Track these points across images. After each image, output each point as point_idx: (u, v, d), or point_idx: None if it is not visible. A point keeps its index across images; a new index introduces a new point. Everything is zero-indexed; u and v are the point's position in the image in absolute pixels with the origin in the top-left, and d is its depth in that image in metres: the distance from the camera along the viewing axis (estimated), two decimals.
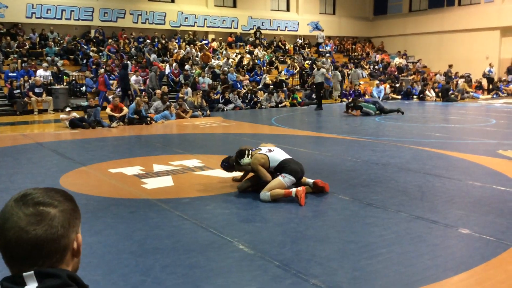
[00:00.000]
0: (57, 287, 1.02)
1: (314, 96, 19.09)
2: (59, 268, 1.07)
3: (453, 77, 24.45)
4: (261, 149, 5.63)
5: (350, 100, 15.55)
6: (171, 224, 4.51)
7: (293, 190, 5.21)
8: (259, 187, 5.49)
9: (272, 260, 3.62)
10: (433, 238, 4.07)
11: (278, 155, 5.55)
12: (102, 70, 16.88)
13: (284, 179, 5.35)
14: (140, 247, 3.94)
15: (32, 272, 1.03)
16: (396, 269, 3.46)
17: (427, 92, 21.56)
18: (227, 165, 5.89)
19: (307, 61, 25.25)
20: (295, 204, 5.16)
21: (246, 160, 5.56)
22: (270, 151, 5.58)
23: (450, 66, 25.02)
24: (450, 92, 21.05)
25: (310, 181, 5.54)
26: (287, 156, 5.58)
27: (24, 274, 1.02)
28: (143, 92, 16.65)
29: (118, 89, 16.95)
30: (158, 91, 15.69)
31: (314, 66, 19.71)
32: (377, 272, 3.43)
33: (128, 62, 19.31)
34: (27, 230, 1.03)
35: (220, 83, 19.35)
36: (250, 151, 5.62)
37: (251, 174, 5.78)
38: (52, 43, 20.03)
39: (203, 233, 4.27)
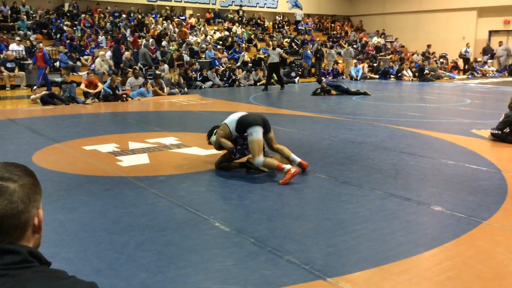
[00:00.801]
0: (18, 263, 0.99)
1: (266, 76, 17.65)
2: (19, 245, 1.03)
3: (430, 57, 24.66)
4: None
5: (315, 89, 15.08)
6: (146, 202, 4.48)
7: (287, 167, 5.12)
8: (231, 161, 5.59)
9: (247, 238, 3.63)
10: (406, 215, 4.14)
11: (233, 116, 5.54)
12: (41, 45, 15.53)
13: (251, 136, 5.26)
14: (114, 224, 3.91)
15: None
16: (369, 245, 3.52)
17: (404, 71, 21.72)
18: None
19: (286, 39, 25.13)
20: (271, 182, 5.18)
21: (213, 137, 5.68)
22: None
23: (429, 46, 25.22)
24: (425, 72, 21.24)
25: (297, 160, 5.50)
26: (241, 113, 5.56)
27: None
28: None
29: (93, 65, 16.62)
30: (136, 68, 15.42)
31: (270, 44, 18.93)
32: (351, 248, 3.48)
33: (120, 36, 19.05)
34: None
35: (198, 60, 19.12)
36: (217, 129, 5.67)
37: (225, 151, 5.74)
38: (25, 17, 19.41)
39: (178, 210, 4.26)
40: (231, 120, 5.51)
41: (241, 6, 26.50)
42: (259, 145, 5.24)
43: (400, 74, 21.68)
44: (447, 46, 25.66)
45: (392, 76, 22.11)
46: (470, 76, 23.14)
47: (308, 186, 5.09)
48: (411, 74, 21.74)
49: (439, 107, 12.15)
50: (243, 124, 5.36)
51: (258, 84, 18.48)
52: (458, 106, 12.15)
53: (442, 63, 24.14)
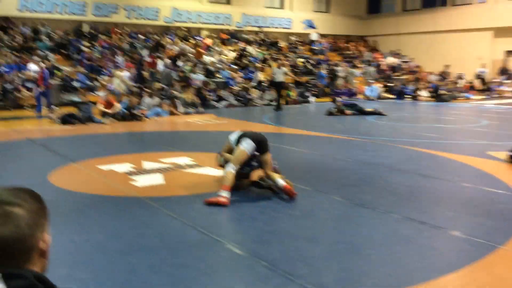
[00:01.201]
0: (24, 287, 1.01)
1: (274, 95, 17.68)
2: (26, 269, 1.05)
3: (446, 77, 24.53)
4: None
5: (332, 109, 15.02)
6: (159, 223, 4.50)
7: (223, 193, 5.05)
8: (241, 177, 5.65)
9: (259, 260, 3.61)
10: (421, 239, 4.09)
11: (236, 132, 5.71)
12: (43, 65, 15.03)
13: (242, 145, 5.39)
14: (128, 245, 3.92)
15: None
16: (383, 270, 3.47)
17: (420, 92, 21.63)
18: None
19: (300, 59, 25.27)
20: (284, 204, 5.16)
21: (219, 158, 5.93)
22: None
23: (447, 66, 25.00)
24: (441, 92, 21.11)
25: (281, 183, 5.27)
26: (246, 130, 5.75)
27: None
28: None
29: (111, 85, 16.87)
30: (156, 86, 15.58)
31: (273, 64, 18.71)
32: (364, 273, 3.44)
33: (164, 57, 19.69)
34: None
35: (213, 80, 19.31)
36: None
37: None
38: (45, 38, 19.86)
39: (191, 232, 4.26)
40: (233, 136, 5.70)
41: (260, 27, 26.79)
42: (241, 156, 5.36)
43: (416, 94, 21.57)
44: (463, 66, 25.51)
45: (407, 96, 22.02)
46: (487, 97, 22.93)
47: (321, 208, 5.06)
48: (427, 94, 21.62)
49: (455, 128, 12.04)
50: (241, 137, 5.52)
51: (272, 103, 18.52)
52: (474, 127, 12.03)
53: (458, 83, 23.99)
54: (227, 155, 5.67)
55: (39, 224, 1.09)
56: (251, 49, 24.48)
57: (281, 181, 5.32)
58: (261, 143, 5.46)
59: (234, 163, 5.32)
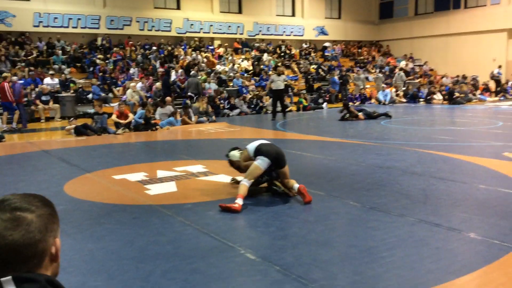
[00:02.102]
0: None
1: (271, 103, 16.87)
2: (37, 273, 1.07)
3: (460, 80, 24.31)
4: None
5: (343, 114, 14.98)
6: (172, 230, 4.52)
7: (238, 201, 5.09)
8: (258, 184, 5.70)
9: (272, 265, 3.61)
10: (436, 241, 4.04)
11: (255, 143, 5.71)
12: (15, 78, 14.53)
13: (257, 161, 5.43)
14: (141, 253, 3.95)
15: (10, 277, 1.03)
16: (397, 272, 3.44)
17: (434, 95, 21.46)
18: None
19: (313, 66, 25.29)
20: (297, 209, 5.16)
21: (232, 152, 6.08)
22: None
23: (464, 77, 24.48)
24: (456, 94, 20.93)
25: (296, 186, 5.42)
26: (263, 141, 5.74)
27: (1, 279, 1.03)
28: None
29: (124, 97, 17.06)
30: (168, 99, 15.73)
31: (272, 71, 18.20)
32: (378, 276, 3.41)
33: (178, 67, 20.22)
34: (3, 235, 1.04)
35: (226, 89, 19.41)
36: (241, 150, 6.01)
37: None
38: (60, 52, 20.20)
39: (204, 238, 4.27)
40: (252, 146, 5.69)
41: (285, 44, 26.97)
42: (255, 172, 5.38)
43: (429, 97, 21.42)
44: (478, 68, 25.27)
45: (421, 99, 21.87)
46: (502, 98, 22.65)
47: (335, 212, 5.04)
48: (441, 97, 21.45)
49: (470, 130, 11.91)
50: (258, 152, 5.52)
51: (286, 110, 18.53)
52: (489, 129, 11.89)
53: (473, 85, 23.76)
54: (244, 163, 5.77)
55: (50, 229, 1.11)
56: (264, 57, 24.57)
57: (296, 185, 5.41)
58: (277, 159, 5.48)
59: (249, 178, 5.36)
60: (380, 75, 24.84)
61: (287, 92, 18.66)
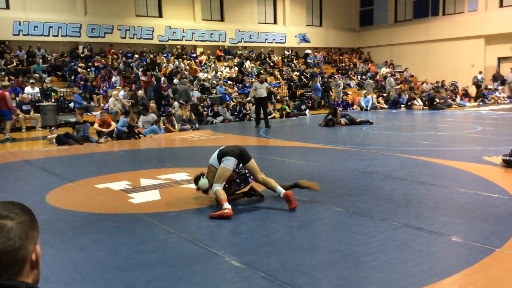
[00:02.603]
0: None
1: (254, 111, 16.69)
2: (18, 280, 1.07)
3: (439, 85, 24.71)
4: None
5: (327, 118, 15.15)
6: (157, 238, 4.50)
7: (226, 205, 5.11)
8: (230, 193, 5.69)
9: (257, 271, 3.62)
10: (418, 245, 4.10)
11: (215, 154, 5.69)
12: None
13: (223, 162, 5.47)
14: (125, 262, 3.93)
15: None
16: (380, 276, 3.48)
17: (414, 101, 21.77)
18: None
19: (295, 73, 25.46)
20: (281, 215, 5.18)
21: (201, 182, 5.74)
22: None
23: (442, 84, 24.86)
24: (436, 100, 21.28)
25: (280, 189, 5.44)
26: (222, 147, 5.79)
27: None
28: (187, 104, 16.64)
29: (107, 105, 16.94)
30: (153, 106, 15.71)
31: (255, 79, 18.02)
32: (362, 280, 3.44)
33: (160, 75, 20.29)
34: None
35: (209, 96, 19.42)
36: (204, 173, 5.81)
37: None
38: (40, 60, 19.99)
39: (189, 246, 4.27)
40: (214, 155, 5.69)
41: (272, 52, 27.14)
42: (225, 174, 5.41)
43: (410, 103, 21.72)
44: (457, 74, 25.74)
45: (402, 105, 22.16)
46: (481, 103, 23.08)
47: (319, 218, 5.07)
48: (421, 103, 21.77)
49: (450, 135, 12.10)
50: (222, 155, 5.54)
51: (268, 117, 18.58)
52: (469, 134, 12.10)
53: (453, 91, 24.16)
54: (219, 178, 5.52)
55: (30, 236, 1.11)
56: (247, 64, 24.65)
57: (280, 189, 5.43)
58: (241, 155, 5.55)
59: (219, 182, 5.38)
60: (371, 81, 25.16)
61: (270, 99, 18.69)
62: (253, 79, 22.71)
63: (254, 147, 10.60)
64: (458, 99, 23.41)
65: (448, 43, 26.79)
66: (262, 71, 24.06)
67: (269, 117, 16.84)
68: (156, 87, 18.52)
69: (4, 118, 13.80)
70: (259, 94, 15.42)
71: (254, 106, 16.44)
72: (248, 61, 25.08)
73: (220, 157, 5.56)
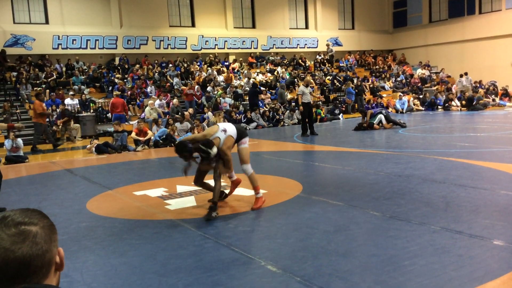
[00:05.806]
0: None
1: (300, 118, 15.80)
2: (46, 284, 1.11)
3: (478, 86, 24.03)
4: (217, 132, 5.70)
5: (361, 123, 14.95)
6: (193, 244, 4.57)
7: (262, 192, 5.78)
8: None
9: (293, 276, 3.62)
10: (458, 249, 4.01)
11: (225, 126, 5.88)
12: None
13: (246, 144, 5.95)
14: (163, 267, 4.00)
15: None
16: (419, 281, 3.42)
17: (452, 102, 21.27)
18: (189, 153, 5.55)
19: (328, 77, 25.31)
20: (316, 220, 5.16)
21: (214, 149, 5.47)
22: (224, 131, 5.73)
23: (476, 87, 24.17)
24: (474, 101, 20.72)
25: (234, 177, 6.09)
26: (229, 124, 6.17)
27: None
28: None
29: (143, 114, 17.28)
30: (187, 114, 15.95)
31: (299, 83, 17.68)
32: (400, 284, 3.39)
33: (257, 83, 20.83)
34: (12, 250, 1.07)
35: (242, 103, 19.55)
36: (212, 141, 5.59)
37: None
38: (78, 72, 20.63)
39: (225, 251, 4.31)
40: (232, 128, 5.84)
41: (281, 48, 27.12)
42: (229, 143, 5.72)
43: (447, 104, 21.23)
44: (495, 74, 24.99)
45: (439, 106, 21.68)
46: None
47: (354, 222, 5.03)
48: (459, 104, 21.24)
49: (489, 136, 11.76)
50: (241, 133, 5.92)
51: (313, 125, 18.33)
52: (509, 134, 11.72)
53: (488, 90, 23.45)
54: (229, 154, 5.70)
55: (53, 239, 1.16)
56: (279, 70, 24.71)
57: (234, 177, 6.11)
58: (240, 130, 6.04)
59: (248, 162, 5.91)
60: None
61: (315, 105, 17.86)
62: (301, 83, 22.68)
63: (288, 152, 10.60)
64: (497, 99, 22.71)
65: (485, 42, 26.06)
66: (308, 76, 23.89)
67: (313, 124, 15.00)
68: (251, 92, 19.05)
69: (119, 121, 14.61)
70: (307, 100, 14.29)
71: (301, 112, 15.05)
72: (279, 67, 25.12)
73: (240, 135, 5.87)
